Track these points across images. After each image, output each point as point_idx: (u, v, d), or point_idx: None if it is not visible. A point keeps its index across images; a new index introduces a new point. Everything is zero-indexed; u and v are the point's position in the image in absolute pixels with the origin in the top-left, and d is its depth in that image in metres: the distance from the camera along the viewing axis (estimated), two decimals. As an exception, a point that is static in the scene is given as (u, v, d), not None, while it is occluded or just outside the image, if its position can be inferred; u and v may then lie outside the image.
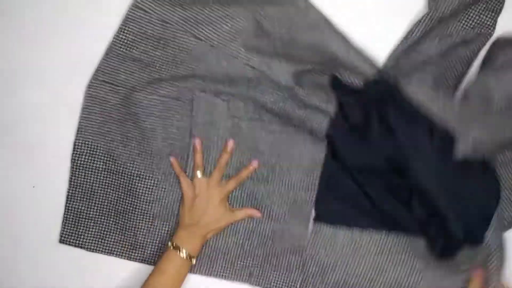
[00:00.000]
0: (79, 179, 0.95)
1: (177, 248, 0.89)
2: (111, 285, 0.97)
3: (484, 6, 0.90)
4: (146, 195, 0.95)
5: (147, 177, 0.95)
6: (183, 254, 0.89)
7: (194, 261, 0.91)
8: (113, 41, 0.94)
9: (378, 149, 0.92)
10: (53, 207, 0.97)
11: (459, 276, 0.90)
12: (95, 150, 0.95)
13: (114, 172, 0.95)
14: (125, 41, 0.94)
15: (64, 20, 0.97)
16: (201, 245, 0.92)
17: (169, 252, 0.90)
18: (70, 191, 0.96)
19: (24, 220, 0.97)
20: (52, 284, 0.97)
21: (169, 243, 0.90)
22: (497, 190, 0.91)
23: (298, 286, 0.95)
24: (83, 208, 0.96)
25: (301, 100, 0.93)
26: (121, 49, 0.94)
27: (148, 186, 0.95)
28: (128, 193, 0.96)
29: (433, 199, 0.90)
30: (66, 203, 0.96)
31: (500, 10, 0.91)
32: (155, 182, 0.95)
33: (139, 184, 0.95)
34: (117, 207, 0.96)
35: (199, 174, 0.93)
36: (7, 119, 0.98)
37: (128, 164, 0.95)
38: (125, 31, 0.93)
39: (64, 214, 0.96)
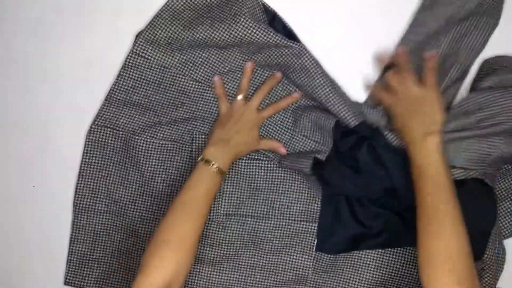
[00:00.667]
0: (82, 221, 0.97)
1: (208, 162, 0.87)
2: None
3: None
4: (148, 235, 0.96)
5: (148, 218, 0.96)
6: (214, 167, 0.87)
7: (225, 176, 0.89)
8: (112, 87, 0.95)
9: (370, 180, 0.94)
10: (53, 207, 0.98)
11: None
12: (96, 193, 0.96)
13: (116, 214, 0.97)
14: (125, 87, 0.95)
15: (77, 23, 0.97)
16: (230, 162, 0.90)
17: (199, 167, 0.87)
18: (73, 234, 0.97)
19: (24, 220, 0.98)
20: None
21: (199, 158, 0.88)
22: (494, 207, 0.93)
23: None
24: (86, 250, 0.97)
25: (298, 142, 0.96)
26: (121, 95, 0.95)
27: (150, 227, 0.96)
28: (131, 234, 0.97)
29: None
30: (70, 245, 0.97)
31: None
32: (157, 222, 0.96)
33: (141, 225, 0.96)
34: (120, 247, 0.97)
35: (240, 97, 0.93)
36: (10, 119, 0.99)
37: (130, 206, 0.96)
38: (125, 77, 0.94)
39: (68, 256, 0.97)
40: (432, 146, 0.84)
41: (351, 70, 0.95)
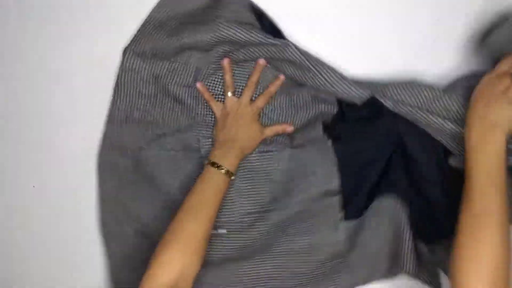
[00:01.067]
0: (112, 249, 0.97)
1: (215, 165, 0.87)
2: None
3: None
4: None
5: None
6: (223, 170, 0.87)
7: (233, 177, 0.89)
8: (111, 107, 0.95)
9: (377, 132, 0.93)
10: (53, 207, 0.99)
11: None
12: (119, 217, 0.96)
13: (144, 234, 0.96)
14: (123, 105, 0.95)
15: (83, 22, 0.96)
16: (238, 162, 0.90)
17: (207, 170, 0.87)
18: (110, 264, 0.98)
19: (24, 220, 0.99)
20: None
21: (206, 162, 0.89)
22: None
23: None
24: (122, 276, 0.97)
25: (303, 116, 0.95)
26: (121, 114, 0.95)
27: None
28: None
29: (430, 189, 0.91)
30: (110, 276, 0.98)
31: None
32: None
33: None
34: None
35: (229, 94, 0.93)
36: (10, 119, 0.99)
37: (154, 223, 0.96)
38: (121, 96, 0.95)
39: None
40: (498, 142, 0.77)
41: (348, 68, 0.94)
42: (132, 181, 0.96)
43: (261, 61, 0.93)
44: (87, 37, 0.95)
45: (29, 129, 0.98)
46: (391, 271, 0.94)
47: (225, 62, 0.93)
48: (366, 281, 0.95)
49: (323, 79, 0.89)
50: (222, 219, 0.96)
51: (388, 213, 0.93)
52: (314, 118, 0.95)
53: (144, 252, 0.95)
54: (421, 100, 0.89)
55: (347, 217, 0.95)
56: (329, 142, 0.94)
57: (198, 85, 0.94)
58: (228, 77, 0.93)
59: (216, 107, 0.94)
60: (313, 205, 0.95)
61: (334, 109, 0.94)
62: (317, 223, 0.96)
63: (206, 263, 0.96)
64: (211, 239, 0.94)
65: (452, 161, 0.90)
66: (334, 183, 0.95)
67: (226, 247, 0.97)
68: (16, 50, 0.96)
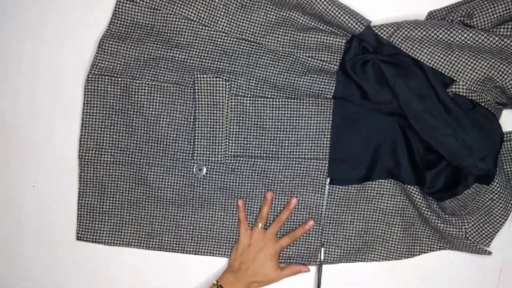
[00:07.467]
0: (89, 174, 0.95)
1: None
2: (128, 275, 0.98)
3: None
4: (157, 182, 0.95)
5: (156, 164, 0.95)
6: None
7: None
8: (104, 34, 0.93)
9: (378, 100, 0.93)
10: (53, 207, 0.97)
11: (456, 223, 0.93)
12: (101, 143, 0.94)
13: (123, 163, 0.95)
14: (118, 33, 0.93)
15: (69, 22, 0.97)
16: None
17: None
18: (81, 188, 0.95)
19: (24, 220, 0.97)
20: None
21: (214, 282, 0.92)
22: (499, 128, 0.91)
23: (320, 256, 0.96)
24: (95, 203, 0.95)
25: (303, 64, 0.94)
26: (114, 42, 0.93)
27: (158, 173, 0.95)
28: (139, 182, 0.95)
29: (439, 137, 0.90)
30: (78, 200, 0.95)
31: None
32: (165, 168, 0.95)
33: (149, 172, 0.95)
34: (129, 197, 0.95)
35: (260, 225, 0.94)
36: (7, 118, 0.98)
37: (136, 153, 0.95)
38: (117, 24, 0.93)
39: (78, 211, 0.95)
40: None
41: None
42: (120, 110, 0.94)
43: (294, 201, 0.95)
44: (85, 37, 0.96)
45: (29, 129, 0.98)
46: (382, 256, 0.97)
47: (269, 195, 0.94)
48: (338, 260, 0.97)
49: (323, 7, 0.90)
50: (204, 158, 0.95)
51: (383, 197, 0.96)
52: (315, 69, 0.94)
53: (118, 182, 0.95)
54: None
55: (331, 181, 0.96)
56: (332, 101, 0.94)
57: (240, 203, 0.95)
58: (265, 210, 0.94)
59: (244, 231, 0.95)
60: (302, 162, 0.95)
61: (337, 61, 0.93)
62: (302, 184, 0.96)
63: (183, 204, 0.96)
64: (188, 180, 0.95)
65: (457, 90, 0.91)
66: (325, 141, 0.95)
67: (205, 188, 0.96)
68: (15, 50, 0.97)
